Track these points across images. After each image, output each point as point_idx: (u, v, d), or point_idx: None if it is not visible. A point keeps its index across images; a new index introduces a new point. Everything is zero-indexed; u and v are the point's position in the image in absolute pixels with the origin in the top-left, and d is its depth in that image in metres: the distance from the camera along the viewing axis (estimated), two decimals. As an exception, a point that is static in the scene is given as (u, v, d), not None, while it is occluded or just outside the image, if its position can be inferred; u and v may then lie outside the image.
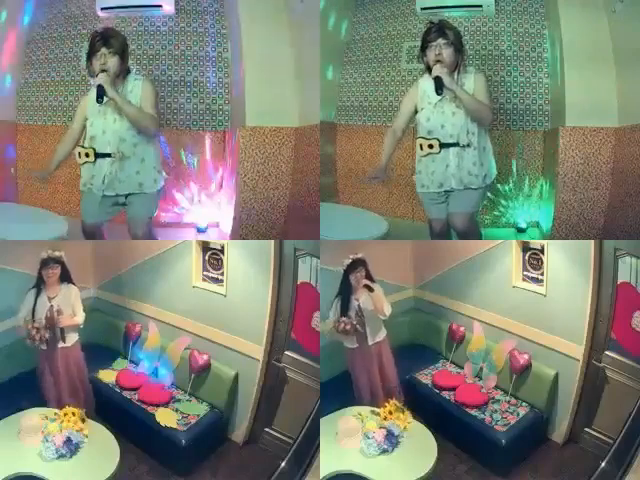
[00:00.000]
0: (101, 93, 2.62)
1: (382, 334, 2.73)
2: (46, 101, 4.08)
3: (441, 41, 2.63)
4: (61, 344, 2.58)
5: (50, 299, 2.53)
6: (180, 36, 4.02)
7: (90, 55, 2.68)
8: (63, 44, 4.05)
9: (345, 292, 2.63)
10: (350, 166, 4.41)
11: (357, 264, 2.61)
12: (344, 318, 2.60)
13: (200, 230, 3.97)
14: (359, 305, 2.62)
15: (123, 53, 2.70)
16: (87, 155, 2.72)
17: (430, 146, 2.73)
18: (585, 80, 3.26)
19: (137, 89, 2.74)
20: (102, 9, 3.95)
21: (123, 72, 2.73)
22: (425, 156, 2.77)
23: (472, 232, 2.90)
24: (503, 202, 3.91)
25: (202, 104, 4.03)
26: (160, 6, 3.94)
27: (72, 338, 2.63)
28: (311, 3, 3.33)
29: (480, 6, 3.89)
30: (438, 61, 2.64)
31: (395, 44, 4.24)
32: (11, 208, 3.57)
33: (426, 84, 2.75)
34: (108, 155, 2.71)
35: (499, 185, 3.88)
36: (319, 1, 3.38)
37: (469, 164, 2.72)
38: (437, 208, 2.87)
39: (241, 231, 3.53)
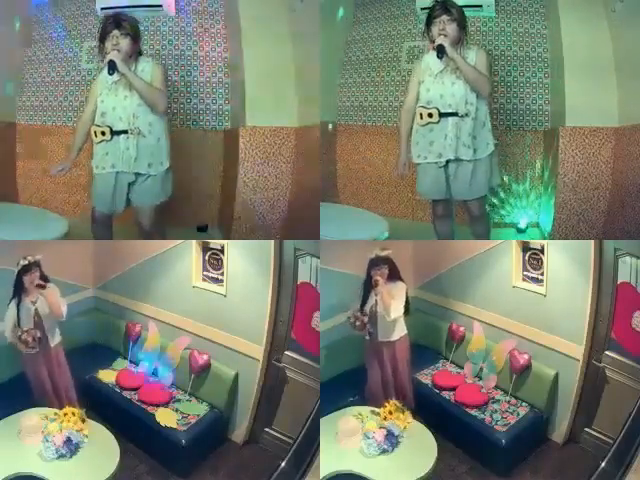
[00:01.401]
0: (112, 66, 2.68)
1: (398, 334, 2.71)
2: (46, 101, 4.08)
3: (445, 17, 2.74)
4: (53, 342, 2.58)
5: (33, 303, 2.52)
6: (180, 36, 4.02)
7: (102, 37, 2.75)
8: (63, 44, 4.05)
9: (365, 286, 2.64)
10: (350, 166, 4.41)
11: (378, 261, 2.61)
12: (357, 313, 2.61)
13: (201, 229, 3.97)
14: (376, 301, 2.63)
15: (135, 35, 2.77)
16: (103, 133, 2.79)
17: (430, 115, 2.80)
18: (585, 80, 3.26)
19: (148, 69, 2.82)
20: (102, 9, 3.94)
21: (134, 54, 2.80)
22: (424, 126, 2.84)
23: (484, 216, 3.07)
24: (503, 202, 3.91)
25: (202, 104, 4.03)
26: (160, 6, 3.94)
27: (57, 336, 2.63)
28: (311, 3, 3.33)
29: (480, 6, 3.88)
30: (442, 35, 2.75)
31: (395, 44, 4.23)
32: (11, 208, 3.56)
33: (429, 59, 2.85)
34: (124, 132, 2.78)
35: (499, 185, 3.89)
36: (319, 1, 3.38)
37: (465, 135, 2.79)
38: (436, 187, 2.92)
39: (241, 231, 3.53)
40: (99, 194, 2.92)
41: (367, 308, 2.64)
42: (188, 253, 2.97)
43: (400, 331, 2.72)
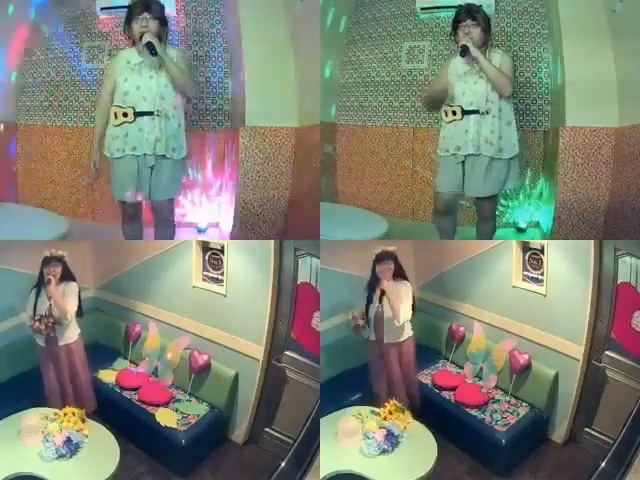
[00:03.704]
0: (152, 48, 2.66)
1: (404, 336, 2.67)
2: (46, 101, 4.08)
3: (470, 22, 2.87)
4: (62, 341, 2.58)
5: (50, 298, 2.52)
6: (180, 36, 4.02)
7: (130, 20, 2.74)
8: (63, 44, 4.05)
9: (371, 283, 2.62)
10: (350, 166, 4.41)
11: (383, 256, 2.58)
12: (356, 315, 2.60)
13: (200, 230, 3.97)
14: (381, 303, 2.59)
15: (163, 19, 2.79)
16: (125, 115, 2.72)
17: (454, 112, 2.91)
18: (585, 80, 3.26)
19: (172, 55, 2.80)
20: (102, 9, 3.95)
21: (162, 38, 2.79)
22: (449, 122, 2.95)
23: (492, 216, 3.12)
24: (503, 202, 3.91)
25: (202, 104, 4.02)
26: (160, 6, 3.94)
27: (71, 335, 2.63)
28: (311, 3, 3.33)
29: (480, 6, 3.88)
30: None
31: (395, 44, 4.23)
32: (11, 208, 3.57)
33: (457, 62, 2.97)
34: (149, 113, 2.73)
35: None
36: (319, 1, 3.38)
37: (487, 131, 2.88)
38: (453, 181, 2.96)
39: (241, 231, 3.53)
40: (120, 181, 2.82)
41: (372, 310, 2.60)
42: (188, 253, 2.97)
43: (407, 332, 2.69)
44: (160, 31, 2.75)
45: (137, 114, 2.73)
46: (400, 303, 2.55)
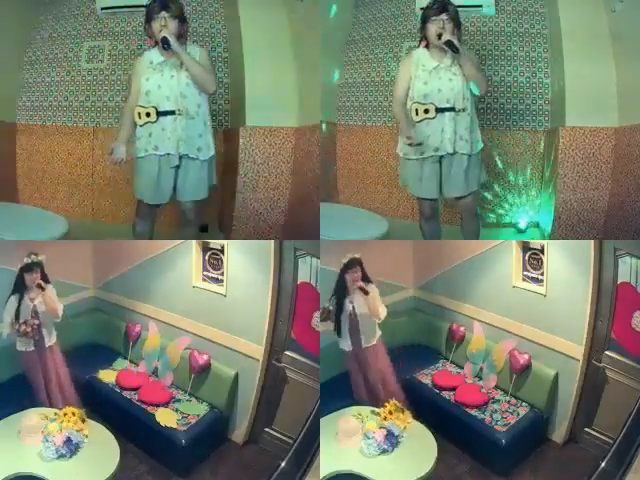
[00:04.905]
0: (166, 42, 2.66)
1: (376, 336, 2.70)
2: (46, 101, 4.08)
3: (444, 16, 2.73)
4: (48, 342, 2.59)
5: (32, 300, 2.55)
6: (180, 36, 4.02)
7: (149, 19, 2.72)
8: (63, 44, 4.05)
9: (339, 292, 2.62)
10: (350, 166, 4.41)
11: (353, 264, 2.59)
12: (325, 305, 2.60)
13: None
14: (353, 307, 2.62)
15: (182, 17, 2.76)
16: (148, 115, 2.72)
17: (426, 111, 2.79)
18: (585, 80, 3.27)
19: (195, 53, 2.79)
20: (102, 9, 3.95)
21: (182, 37, 2.77)
22: (420, 122, 2.82)
23: (476, 213, 3.06)
24: (503, 202, 3.92)
25: (202, 104, 4.03)
26: (160, 6, 3.94)
27: (53, 337, 2.65)
28: (311, 3, 3.34)
29: (480, 6, 3.89)
30: (441, 34, 2.73)
31: (395, 44, 4.23)
32: (11, 208, 3.57)
33: (421, 54, 2.85)
34: (171, 113, 2.72)
35: (499, 185, 3.90)
36: (319, 1, 3.38)
37: (462, 129, 2.80)
38: (431, 184, 2.88)
39: (241, 231, 3.53)
40: (142, 181, 2.82)
41: (345, 316, 2.62)
42: (188, 253, 2.97)
43: (377, 333, 2.71)
44: (180, 29, 2.74)
45: (159, 114, 2.72)
46: (376, 300, 2.60)
